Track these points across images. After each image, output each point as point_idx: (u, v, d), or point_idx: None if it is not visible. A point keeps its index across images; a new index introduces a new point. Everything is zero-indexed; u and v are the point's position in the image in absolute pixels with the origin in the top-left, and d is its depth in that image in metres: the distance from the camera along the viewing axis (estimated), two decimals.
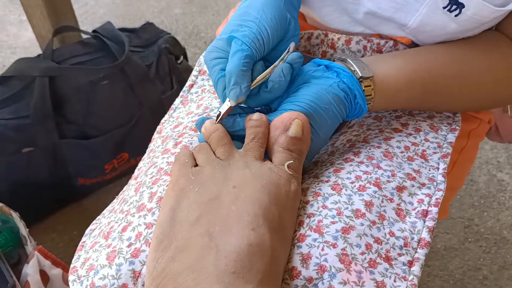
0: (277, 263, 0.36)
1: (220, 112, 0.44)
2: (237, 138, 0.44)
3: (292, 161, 0.41)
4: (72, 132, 0.98)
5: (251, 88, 0.44)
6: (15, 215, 0.78)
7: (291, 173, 0.41)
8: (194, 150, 0.44)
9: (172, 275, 0.35)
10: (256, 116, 0.43)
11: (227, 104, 0.44)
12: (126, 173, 1.11)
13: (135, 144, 1.06)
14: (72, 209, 1.09)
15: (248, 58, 0.43)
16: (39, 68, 0.93)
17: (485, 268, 1.04)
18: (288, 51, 0.45)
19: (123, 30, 1.10)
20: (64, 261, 0.82)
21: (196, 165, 0.42)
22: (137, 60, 1.01)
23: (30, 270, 0.74)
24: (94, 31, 1.05)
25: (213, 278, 0.33)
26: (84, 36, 1.12)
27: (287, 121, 0.42)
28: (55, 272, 0.78)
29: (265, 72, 0.44)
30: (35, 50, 1.51)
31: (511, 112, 0.70)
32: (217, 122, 0.44)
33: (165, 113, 0.60)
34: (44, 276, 0.76)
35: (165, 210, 0.40)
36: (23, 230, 0.78)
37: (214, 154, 0.43)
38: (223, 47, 0.45)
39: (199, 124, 0.46)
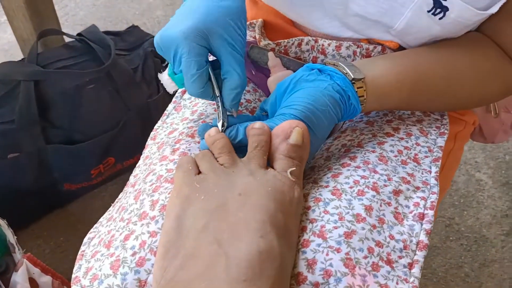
0: (285, 269, 0.37)
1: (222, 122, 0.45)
2: (237, 149, 0.45)
3: (294, 168, 0.42)
4: (58, 137, 0.96)
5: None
6: (3, 223, 0.76)
7: (293, 179, 0.42)
8: (196, 157, 0.44)
9: (182, 283, 0.35)
10: (258, 124, 0.43)
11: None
12: (112, 178, 1.10)
13: (121, 148, 1.05)
14: (57, 214, 1.08)
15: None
16: (24, 72, 0.91)
17: (466, 265, 1.07)
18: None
19: (107, 33, 1.08)
20: (51, 267, 0.81)
21: (199, 172, 0.43)
22: (123, 63, 1.00)
23: (19, 278, 0.73)
24: (79, 34, 1.03)
25: (225, 286, 0.33)
26: (66, 39, 1.11)
27: (288, 129, 0.43)
28: (44, 279, 0.77)
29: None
30: (14, 52, 1.48)
31: (495, 113, 0.72)
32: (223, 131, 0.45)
33: (152, 117, 0.60)
34: (33, 284, 0.75)
35: (170, 218, 0.40)
36: (11, 237, 0.76)
37: (217, 161, 0.43)
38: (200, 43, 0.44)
39: (202, 131, 0.46)
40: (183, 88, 0.49)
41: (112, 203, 0.54)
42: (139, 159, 0.56)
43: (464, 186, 1.23)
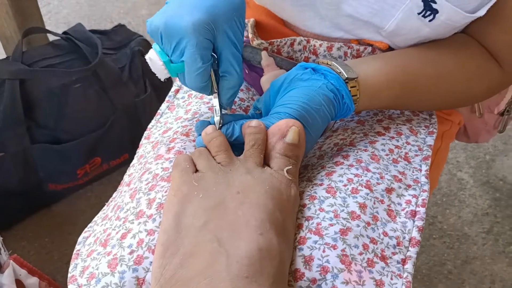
0: (284, 266, 0.38)
1: (219, 118, 0.45)
2: (233, 147, 0.45)
3: (290, 166, 0.43)
4: (43, 136, 0.95)
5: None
6: None
7: (290, 178, 0.42)
8: (193, 155, 0.44)
9: (183, 281, 0.35)
10: (254, 123, 0.44)
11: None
12: (98, 178, 1.08)
13: (108, 148, 1.04)
14: (42, 215, 1.06)
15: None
16: (9, 70, 0.89)
17: (449, 263, 1.09)
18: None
19: (94, 32, 1.08)
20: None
21: (196, 170, 0.43)
22: (110, 63, 1.00)
23: (6, 280, 0.72)
24: (65, 32, 1.02)
25: (226, 283, 0.34)
26: (51, 37, 1.09)
27: (284, 128, 0.43)
28: (31, 281, 0.76)
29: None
30: None
31: (479, 113, 0.74)
32: (219, 128, 0.45)
33: (139, 116, 0.60)
34: (20, 285, 0.74)
35: (169, 216, 0.40)
36: None
37: (214, 159, 0.43)
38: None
39: (199, 127, 0.46)
40: (176, 77, 0.47)
41: (98, 203, 0.53)
42: (126, 159, 0.56)
43: (446, 185, 1.25)
